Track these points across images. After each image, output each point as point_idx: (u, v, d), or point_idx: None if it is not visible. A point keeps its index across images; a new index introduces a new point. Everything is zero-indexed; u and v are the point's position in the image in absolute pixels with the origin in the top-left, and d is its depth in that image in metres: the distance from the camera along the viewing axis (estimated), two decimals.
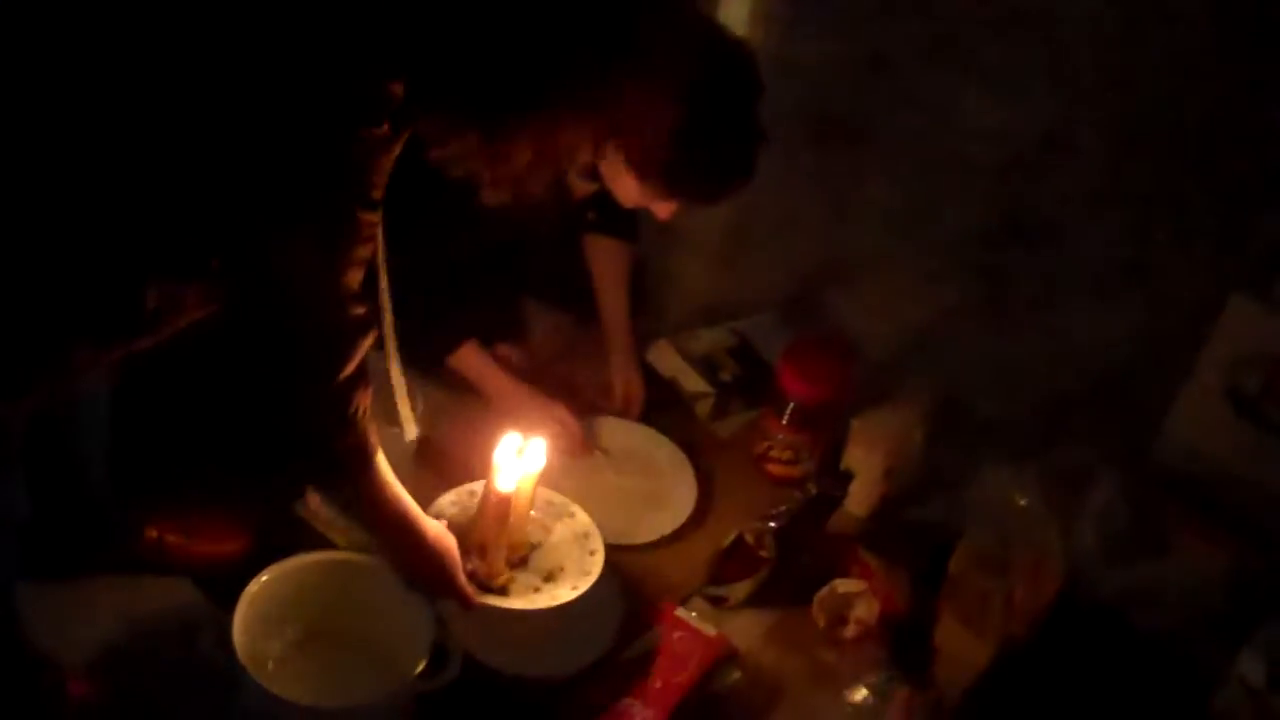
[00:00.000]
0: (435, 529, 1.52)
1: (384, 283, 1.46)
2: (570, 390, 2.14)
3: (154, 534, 1.69)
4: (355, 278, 1.23)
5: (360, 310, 1.25)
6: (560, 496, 1.81)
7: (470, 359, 2.03)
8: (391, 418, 1.89)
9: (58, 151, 1.11)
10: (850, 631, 1.85)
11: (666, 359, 2.26)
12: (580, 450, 2.06)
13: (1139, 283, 2.56)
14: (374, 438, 1.35)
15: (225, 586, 1.58)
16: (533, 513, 1.75)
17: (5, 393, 1.22)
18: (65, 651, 1.58)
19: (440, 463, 1.91)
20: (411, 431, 1.66)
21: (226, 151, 1.12)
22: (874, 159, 2.97)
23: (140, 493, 1.69)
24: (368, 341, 1.27)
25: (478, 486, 1.70)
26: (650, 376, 2.23)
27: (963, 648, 1.81)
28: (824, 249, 2.72)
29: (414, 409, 1.71)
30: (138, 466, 1.67)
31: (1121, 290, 2.56)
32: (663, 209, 1.87)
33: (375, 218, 1.22)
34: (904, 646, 1.84)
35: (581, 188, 2.04)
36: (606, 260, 2.21)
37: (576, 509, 1.80)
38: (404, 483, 1.65)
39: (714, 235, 2.62)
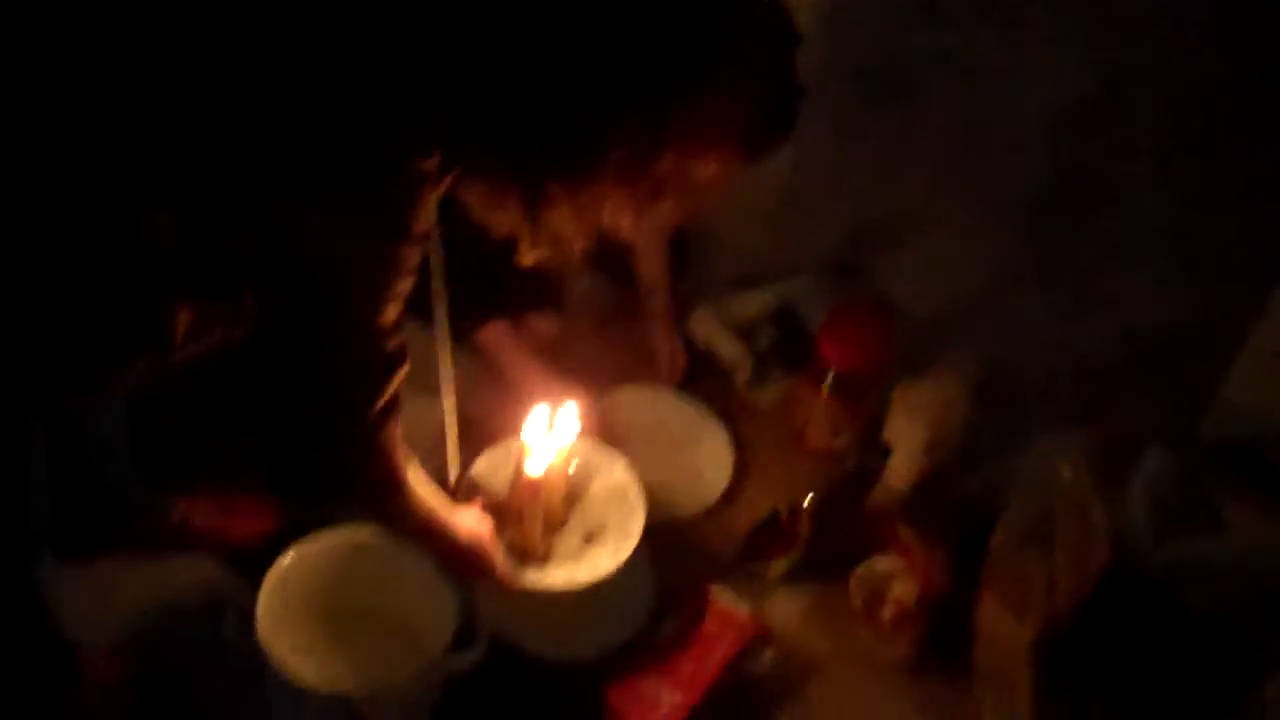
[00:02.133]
0: (468, 527, 1.50)
1: (438, 283, 1.43)
2: (601, 362, 2.09)
3: (180, 512, 1.68)
4: (392, 312, 1.20)
5: (396, 342, 1.22)
6: (601, 449, 1.76)
7: (495, 338, 2.00)
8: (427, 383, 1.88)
9: (90, 163, 1.09)
10: (888, 611, 1.80)
11: (703, 325, 2.21)
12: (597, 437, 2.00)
13: (1196, 245, 2.48)
14: (404, 462, 1.32)
15: (254, 565, 1.57)
16: (570, 470, 1.71)
17: (26, 405, 1.20)
18: (89, 633, 1.57)
19: (475, 430, 1.87)
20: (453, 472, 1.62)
21: (267, 176, 1.09)
22: (924, 114, 2.88)
23: (166, 470, 1.67)
24: (401, 375, 1.24)
25: (512, 445, 1.67)
26: (687, 344, 2.18)
27: (1003, 629, 1.76)
28: (871, 209, 2.64)
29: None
30: (162, 444, 1.65)
31: (1177, 253, 2.48)
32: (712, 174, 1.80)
33: (416, 253, 1.18)
34: (943, 628, 1.80)
35: None
36: (646, 222, 2.14)
37: (616, 462, 1.75)
38: (439, 451, 1.63)
39: (759, 195, 2.55)
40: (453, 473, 1.55)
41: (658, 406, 2.11)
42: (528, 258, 1.24)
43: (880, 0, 3.37)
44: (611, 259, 2.07)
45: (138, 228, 1.11)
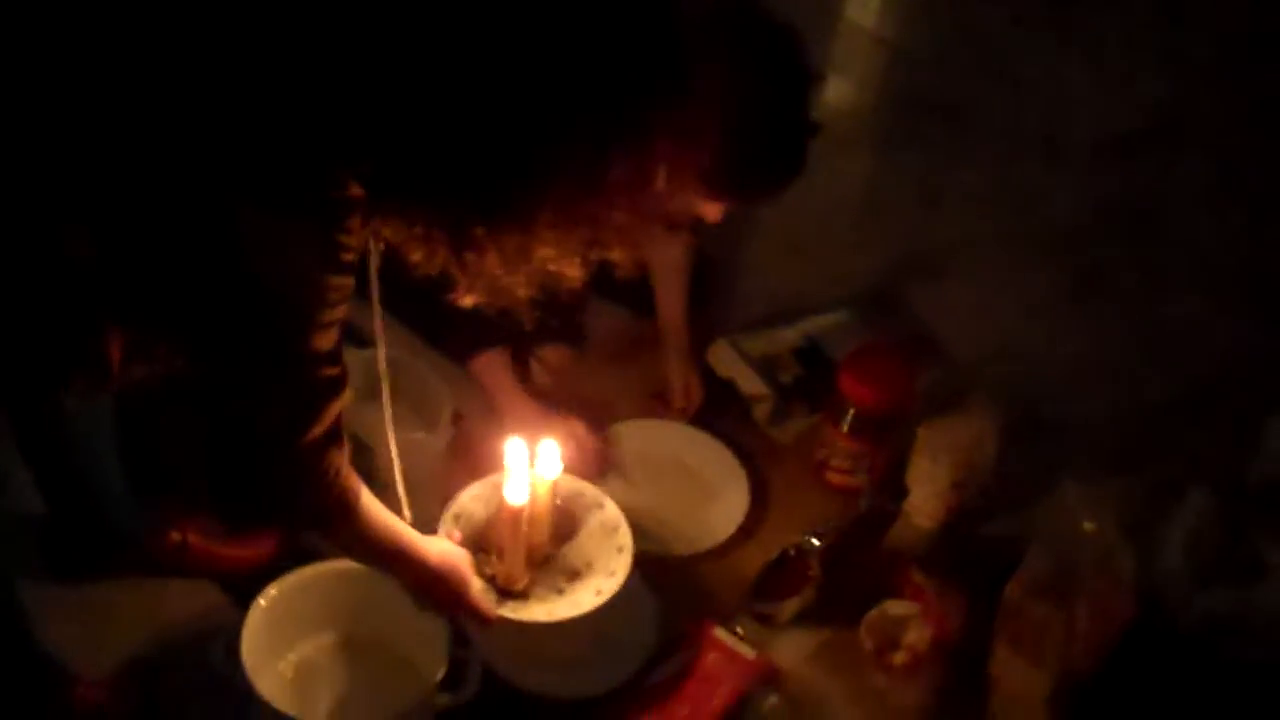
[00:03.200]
0: (438, 552, 1.46)
1: (378, 322, 1.40)
2: (617, 394, 2.05)
3: (178, 537, 1.67)
4: (324, 340, 1.16)
5: (331, 371, 1.18)
6: (591, 487, 1.73)
7: (488, 368, 1.98)
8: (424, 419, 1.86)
9: (15, 189, 1.09)
10: (900, 657, 1.75)
11: (725, 359, 2.17)
12: (599, 469, 1.96)
13: (1244, 281, 2.40)
14: (354, 488, 1.29)
15: (251, 590, 1.56)
16: (559, 501, 1.67)
17: None
18: (81, 657, 1.57)
19: (479, 463, 1.85)
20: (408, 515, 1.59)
21: (184, 210, 1.08)
22: (966, 142, 2.84)
23: (161, 494, 1.66)
24: (339, 403, 1.20)
25: (497, 481, 1.64)
26: (708, 377, 2.14)
27: (1020, 679, 1.70)
28: (906, 239, 2.59)
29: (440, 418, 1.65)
30: (154, 467, 1.65)
31: (1223, 289, 2.40)
32: (709, 210, 1.76)
33: (345, 280, 1.15)
34: (958, 675, 1.74)
35: None
36: (664, 251, 2.11)
37: (607, 500, 1.71)
38: (434, 481, 1.59)
39: (790, 224, 2.51)
40: (406, 510, 1.51)
41: (674, 439, 2.07)
42: (465, 299, 1.20)
43: (927, 26, 3.34)
44: (629, 290, 2.03)
45: (58, 243, 1.10)
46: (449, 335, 2.00)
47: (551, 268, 1.16)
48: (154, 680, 1.59)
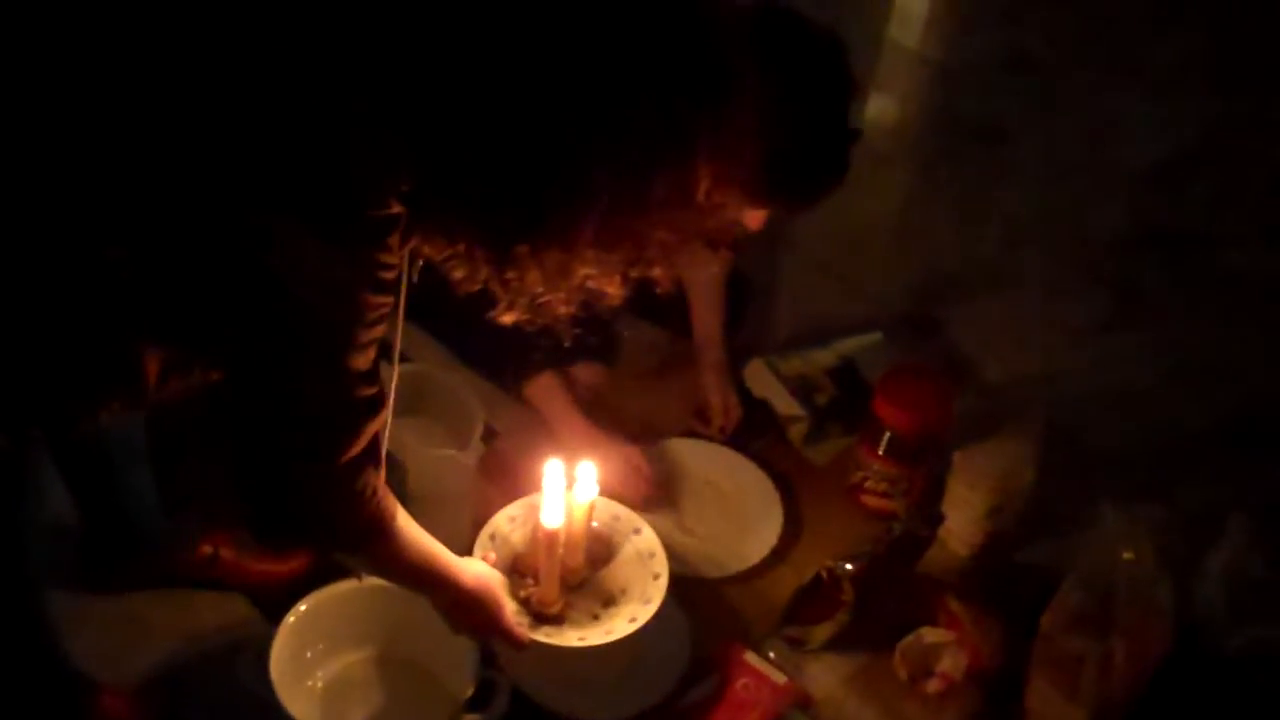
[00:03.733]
0: (473, 575, 1.44)
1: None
2: (653, 413, 2.04)
3: (209, 549, 1.67)
4: (362, 360, 1.15)
5: (369, 391, 1.17)
6: (628, 511, 1.72)
7: (543, 393, 1.97)
8: (455, 436, 1.85)
9: (58, 209, 1.09)
10: (934, 685, 1.72)
11: (760, 379, 2.15)
12: (650, 494, 1.94)
13: None
14: (390, 508, 1.27)
15: (281, 605, 1.55)
16: (595, 524, 1.67)
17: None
18: (107, 667, 1.57)
19: (511, 480, 1.84)
20: None
21: (223, 229, 1.06)
22: (1007, 163, 2.81)
23: (192, 506, 1.66)
24: (375, 423, 1.19)
25: (538, 499, 1.63)
26: (743, 397, 2.12)
27: (1056, 712, 1.67)
28: (944, 261, 2.57)
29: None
30: (185, 478, 1.65)
31: (1267, 316, 2.36)
32: (751, 219, 1.74)
33: (384, 300, 1.13)
34: (993, 705, 1.71)
35: None
36: (701, 270, 2.09)
37: (644, 525, 1.70)
38: (465, 497, 1.57)
39: (825, 245, 2.50)
40: None
41: (708, 460, 2.05)
42: (505, 317, 1.19)
43: (972, 45, 3.32)
44: (665, 307, 2.02)
45: (99, 262, 1.10)
46: (496, 358, 1.99)
47: (592, 285, 1.15)
48: (180, 693, 1.58)
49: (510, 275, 1.12)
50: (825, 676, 1.76)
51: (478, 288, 1.16)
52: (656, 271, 1.17)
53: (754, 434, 2.10)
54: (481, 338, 1.75)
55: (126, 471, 1.58)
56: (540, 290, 1.13)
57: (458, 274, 1.16)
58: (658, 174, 1.07)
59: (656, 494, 1.96)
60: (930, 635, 1.76)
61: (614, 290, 1.17)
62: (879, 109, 2.96)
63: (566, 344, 1.27)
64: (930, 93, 3.22)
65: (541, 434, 1.96)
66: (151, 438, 1.57)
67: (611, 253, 1.12)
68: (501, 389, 2.02)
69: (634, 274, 1.16)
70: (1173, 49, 3.22)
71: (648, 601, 1.59)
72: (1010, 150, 2.85)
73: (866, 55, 3.19)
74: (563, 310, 1.17)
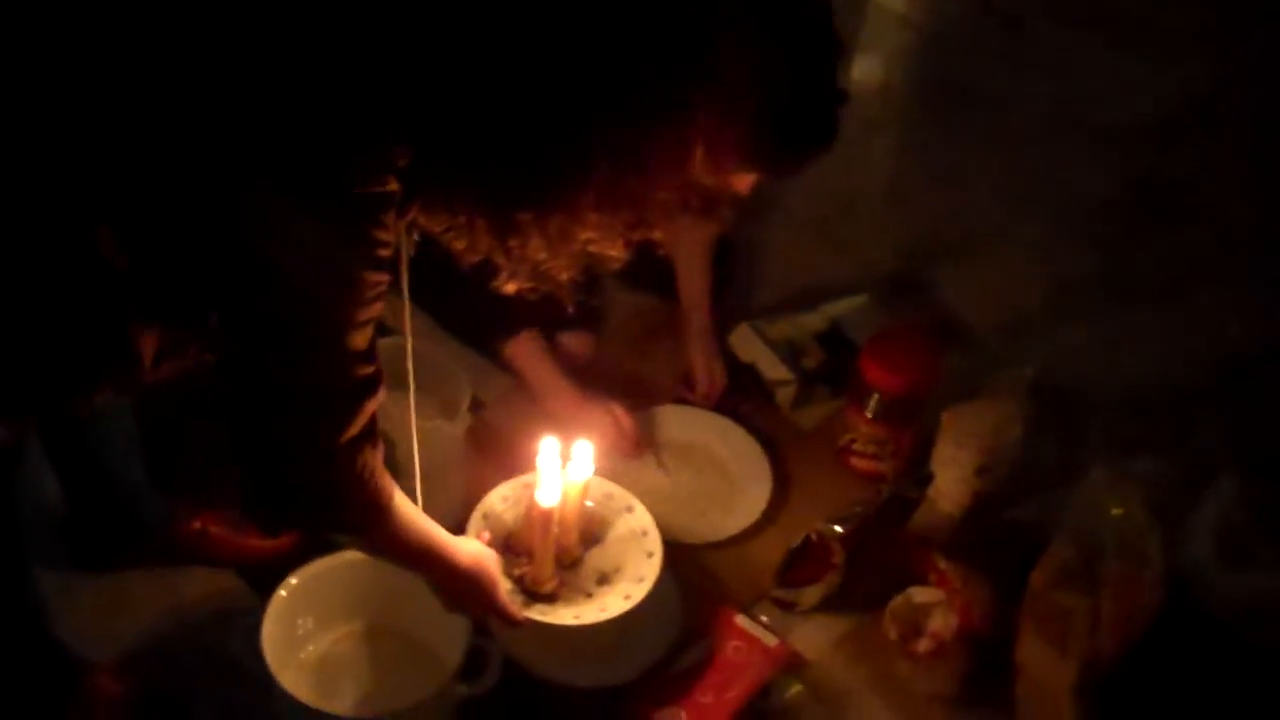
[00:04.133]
0: (469, 554, 1.44)
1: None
2: (640, 380, 2.03)
3: (198, 525, 1.67)
4: (360, 338, 1.14)
5: (367, 370, 1.16)
6: (620, 489, 1.72)
7: (524, 353, 1.96)
8: (442, 407, 1.85)
9: (47, 193, 1.08)
10: (925, 645, 1.73)
11: (747, 343, 2.14)
12: (634, 451, 1.95)
13: (1276, 264, 2.36)
14: (387, 488, 1.27)
15: (271, 579, 1.55)
16: (589, 503, 1.67)
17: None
18: (99, 645, 1.57)
19: (498, 451, 1.84)
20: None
21: (218, 208, 1.06)
22: (994, 125, 2.80)
23: (181, 482, 1.66)
24: (374, 402, 1.18)
25: (532, 479, 1.63)
26: (730, 362, 2.12)
27: (1045, 667, 1.67)
28: (932, 222, 2.56)
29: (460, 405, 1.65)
30: (174, 456, 1.65)
31: (1255, 272, 2.36)
32: (740, 182, 1.73)
33: (381, 277, 1.12)
34: (983, 663, 1.72)
35: None
36: (686, 234, 2.08)
37: (636, 503, 1.71)
38: (453, 468, 1.57)
39: (813, 205, 2.49)
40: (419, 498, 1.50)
41: (696, 426, 2.05)
42: (508, 286, 1.19)
43: (957, 10, 3.30)
44: (651, 273, 2.02)
45: (93, 245, 1.09)
46: (476, 323, 1.98)
47: (594, 249, 1.15)
48: (173, 669, 1.59)
49: (512, 243, 1.12)
50: (816, 638, 1.78)
51: (479, 258, 1.16)
52: (657, 234, 1.17)
53: (742, 398, 2.10)
54: (460, 302, 1.75)
55: (115, 449, 1.58)
56: (543, 257, 1.13)
57: (459, 245, 1.16)
58: (655, 134, 1.08)
59: (639, 451, 1.96)
60: (920, 595, 1.77)
61: (616, 253, 1.17)
62: (864, 71, 2.95)
63: (570, 310, 1.26)
64: (916, 55, 3.20)
65: (528, 401, 1.96)
66: (141, 416, 1.56)
67: (613, 215, 1.12)
68: (486, 357, 2.01)
69: (635, 236, 1.16)
70: (1155, 9, 3.21)
71: (641, 580, 1.60)
72: (995, 112, 2.84)
73: (852, 18, 3.17)
74: (564, 276, 1.16)
